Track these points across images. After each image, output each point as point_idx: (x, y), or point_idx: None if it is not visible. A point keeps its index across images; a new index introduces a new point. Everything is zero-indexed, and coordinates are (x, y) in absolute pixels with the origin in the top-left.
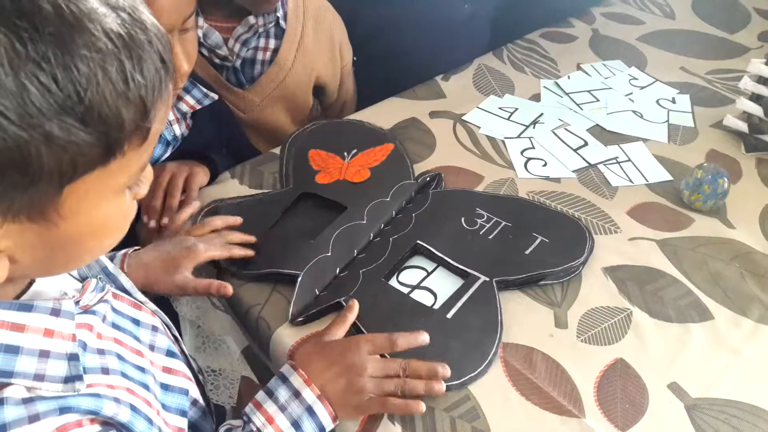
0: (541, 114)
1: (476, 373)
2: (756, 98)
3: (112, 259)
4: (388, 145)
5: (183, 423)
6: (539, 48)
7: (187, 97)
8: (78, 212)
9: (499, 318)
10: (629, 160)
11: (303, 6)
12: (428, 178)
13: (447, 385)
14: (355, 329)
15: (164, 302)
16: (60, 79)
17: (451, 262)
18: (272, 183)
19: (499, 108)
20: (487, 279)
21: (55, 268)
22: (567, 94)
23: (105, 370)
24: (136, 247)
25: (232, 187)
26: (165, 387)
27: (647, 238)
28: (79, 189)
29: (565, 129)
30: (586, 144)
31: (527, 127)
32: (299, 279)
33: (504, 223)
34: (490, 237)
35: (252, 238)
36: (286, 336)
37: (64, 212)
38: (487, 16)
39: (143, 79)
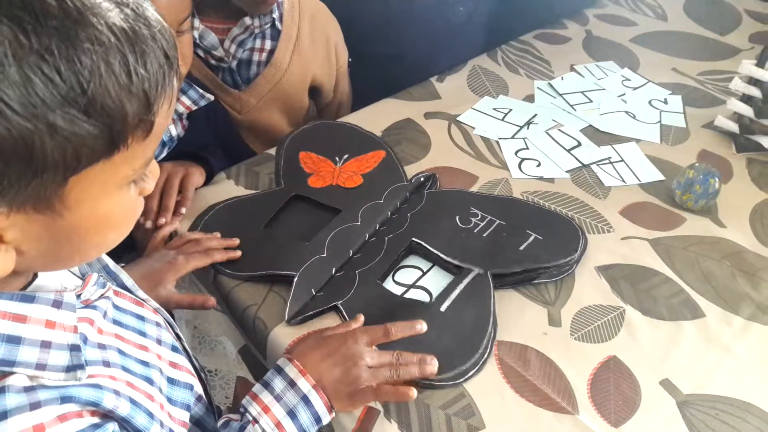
0: (535, 115)
1: (470, 364)
2: (747, 99)
3: None
4: (380, 152)
5: (186, 417)
6: (533, 49)
7: (184, 98)
8: (82, 204)
9: (493, 310)
10: (622, 160)
11: (299, 7)
12: (423, 179)
13: (442, 382)
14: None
15: None
16: (63, 71)
17: (446, 258)
18: (268, 184)
19: (494, 109)
20: (482, 271)
21: (59, 261)
22: (560, 95)
23: (106, 363)
24: (121, 264)
25: (227, 188)
26: (171, 381)
27: (640, 238)
28: (83, 180)
29: (559, 130)
30: (579, 144)
31: (521, 127)
32: (295, 279)
33: (498, 221)
34: (484, 235)
35: (234, 242)
36: (283, 336)
37: (69, 203)
38: (482, 18)
39: (146, 73)
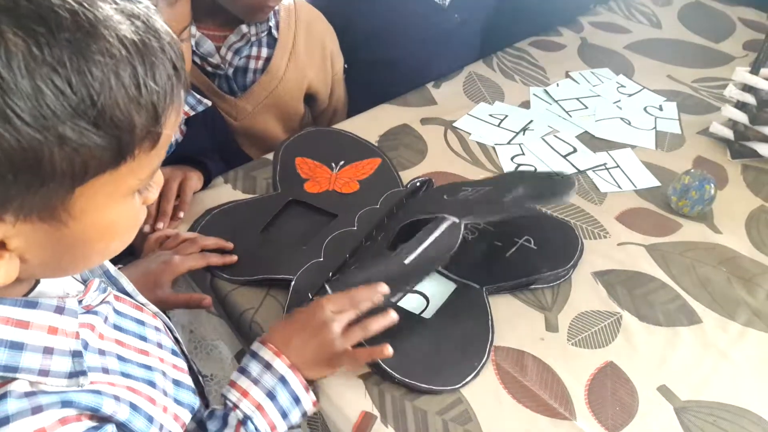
0: (531, 121)
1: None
2: (741, 106)
3: None
4: (376, 160)
5: (188, 418)
6: (528, 56)
7: None
8: (87, 213)
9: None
10: (618, 166)
11: (295, 15)
12: (419, 184)
13: (440, 390)
14: None
15: None
16: (74, 83)
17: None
18: (265, 188)
19: (490, 115)
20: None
21: (62, 269)
22: (556, 101)
23: (105, 370)
24: (118, 266)
25: (225, 192)
26: (177, 383)
27: (636, 243)
28: (89, 190)
29: (555, 136)
30: (575, 150)
31: (517, 133)
32: (292, 283)
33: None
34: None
35: (229, 245)
36: None
37: (74, 213)
38: (477, 25)
39: (155, 85)
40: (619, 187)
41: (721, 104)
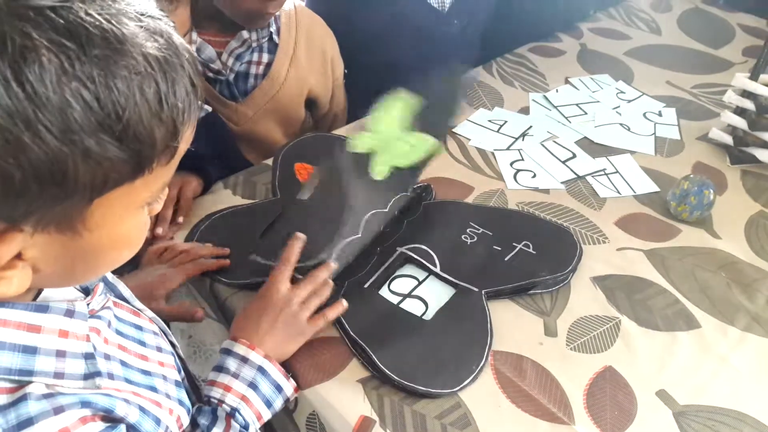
0: (530, 126)
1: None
2: (740, 111)
3: None
4: None
5: (187, 420)
6: (528, 62)
7: None
8: (103, 225)
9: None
10: (617, 171)
11: (296, 21)
12: (419, 189)
13: (438, 393)
14: (342, 331)
15: None
16: (102, 98)
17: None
18: (265, 194)
19: (489, 120)
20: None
21: (72, 279)
22: (555, 107)
23: (110, 375)
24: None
25: (225, 198)
26: (179, 384)
27: (635, 248)
28: (106, 202)
29: (554, 141)
30: (574, 156)
31: (516, 139)
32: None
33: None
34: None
35: (225, 251)
36: None
37: (90, 224)
38: (477, 31)
39: (176, 100)
40: (619, 192)
41: (721, 110)
